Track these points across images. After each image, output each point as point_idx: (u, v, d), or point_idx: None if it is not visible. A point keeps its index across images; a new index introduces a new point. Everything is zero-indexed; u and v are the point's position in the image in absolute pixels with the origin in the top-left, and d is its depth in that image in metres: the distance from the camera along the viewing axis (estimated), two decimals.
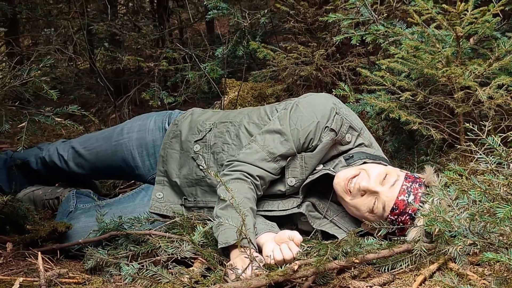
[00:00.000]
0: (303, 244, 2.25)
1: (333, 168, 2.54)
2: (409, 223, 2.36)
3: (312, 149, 2.54)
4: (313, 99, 2.63)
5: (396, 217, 2.38)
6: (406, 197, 2.37)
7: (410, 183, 2.40)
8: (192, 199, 2.71)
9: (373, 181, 2.41)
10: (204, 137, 2.74)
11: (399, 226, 2.37)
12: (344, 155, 2.58)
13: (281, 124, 2.56)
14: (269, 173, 2.52)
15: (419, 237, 2.23)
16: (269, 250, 2.21)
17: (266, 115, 2.69)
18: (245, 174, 2.49)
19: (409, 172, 2.50)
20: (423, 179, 2.43)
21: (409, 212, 2.36)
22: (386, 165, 2.54)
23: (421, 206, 2.33)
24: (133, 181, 3.37)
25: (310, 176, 2.54)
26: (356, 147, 2.60)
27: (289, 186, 2.54)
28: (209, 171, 2.57)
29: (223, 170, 2.56)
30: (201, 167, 2.69)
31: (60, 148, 3.04)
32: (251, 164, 2.51)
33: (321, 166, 2.56)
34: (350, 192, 2.45)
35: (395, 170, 2.48)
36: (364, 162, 2.53)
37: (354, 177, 2.45)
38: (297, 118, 2.55)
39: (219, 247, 2.24)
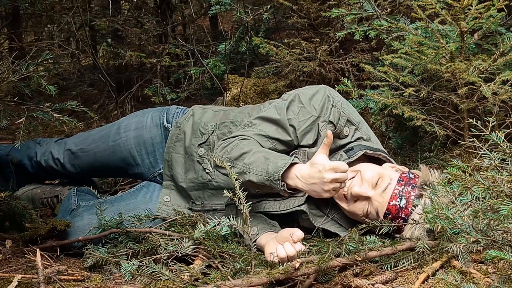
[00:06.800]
0: (304, 243, 2.23)
1: None
2: (403, 226, 2.34)
3: (313, 143, 2.50)
4: (311, 92, 2.59)
5: (389, 221, 2.35)
6: (398, 201, 2.34)
7: (403, 187, 2.36)
8: (200, 202, 2.69)
9: (365, 186, 2.39)
10: (208, 140, 2.70)
11: (398, 224, 2.35)
12: (344, 148, 2.54)
13: (279, 113, 2.52)
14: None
15: (420, 234, 2.23)
16: (271, 249, 2.21)
17: None
18: (244, 136, 2.48)
19: (405, 171, 2.46)
20: (417, 179, 2.39)
21: (402, 216, 2.34)
22: (382, 165, 2.50)
23: (413, 210, 2.32)
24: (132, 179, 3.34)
25: None
26: (354, 141, 2.56)
27: None
28: (215, 175, 2.57)
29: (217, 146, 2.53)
30: (207, 171, 2.67)
31: (55, 151, 2.99)
32: (248, 135, 2.49)
33: None
34: (346, 198, 2.43)
35: (389, 171, 2.44)
36: (365, 153, 2.49)
37: (349, 180, 2.42)
38: (296, 110, 2.52)
39: (282, 170, 2.23)
